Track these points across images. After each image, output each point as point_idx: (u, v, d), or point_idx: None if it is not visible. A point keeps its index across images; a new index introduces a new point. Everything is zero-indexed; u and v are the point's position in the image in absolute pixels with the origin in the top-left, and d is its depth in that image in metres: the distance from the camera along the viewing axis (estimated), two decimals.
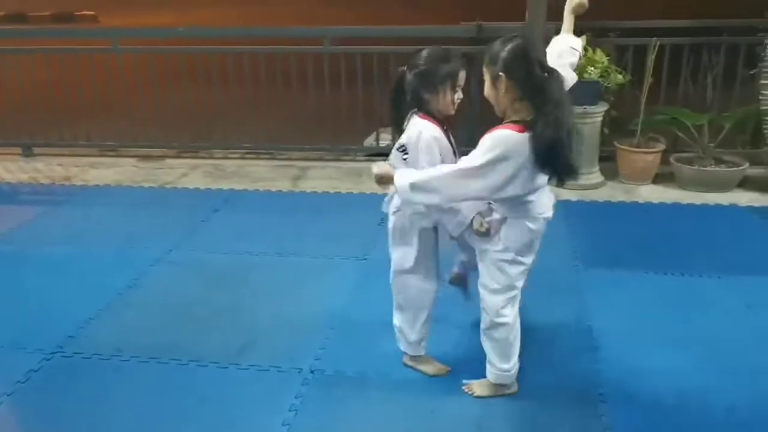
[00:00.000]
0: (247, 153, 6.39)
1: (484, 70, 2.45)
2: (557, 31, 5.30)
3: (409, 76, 2.65)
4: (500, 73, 2.37)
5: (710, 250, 4.17)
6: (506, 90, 2.39)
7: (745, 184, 5.17)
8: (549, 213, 2.62)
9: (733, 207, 4.84)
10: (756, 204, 4.88)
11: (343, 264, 4.09)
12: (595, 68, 5.05)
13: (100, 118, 6.69)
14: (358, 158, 6.28)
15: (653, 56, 5.19)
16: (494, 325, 2.70)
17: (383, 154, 6.09)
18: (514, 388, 2.83)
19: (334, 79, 5.88)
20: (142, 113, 6.35)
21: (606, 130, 5.35)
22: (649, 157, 5.28)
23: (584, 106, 5.08)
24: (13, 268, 4.10)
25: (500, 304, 2.66)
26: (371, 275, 3.92)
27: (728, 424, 2.64)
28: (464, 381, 2.89)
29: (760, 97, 4.94)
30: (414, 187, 2.44)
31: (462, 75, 2.65)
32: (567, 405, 2.77)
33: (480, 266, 2.71)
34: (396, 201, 2.76)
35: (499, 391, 2.82)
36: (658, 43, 5.23)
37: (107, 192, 5.47)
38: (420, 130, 2.60)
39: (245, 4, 24.00)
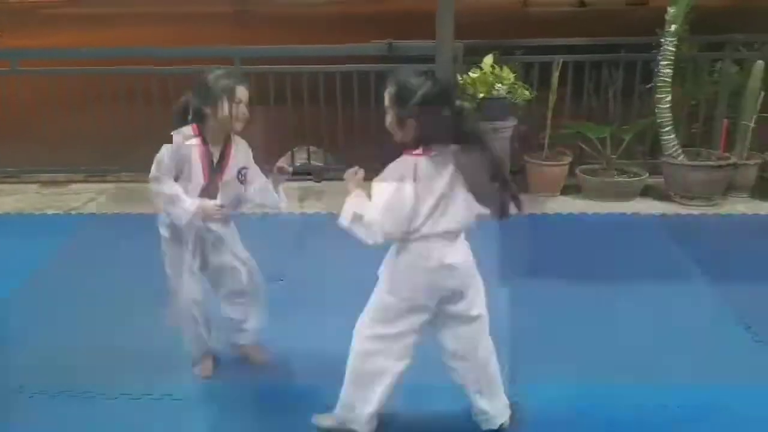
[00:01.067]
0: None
1: (389, 101, 2.40)
2: (466, 50, 5.55)
3: (192, 95, 2.82)
4: (409, 119, 2.35)
5: (618, 258, 4.35)
6: (411, 129, 2.37)
7: (647, 192, 5.43)
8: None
9: (636, 216, 5.07)
10: (656, 212, 5.12)
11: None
12: (502, 84, 5.19)
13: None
14: None
15: (557, 73, 5.39)
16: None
17: (299, 173, 6.13)
18: None
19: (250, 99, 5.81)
20: (44, 137, 6.06)
21: (516, 145, 5.51)
22: (556, 170, 5.47)
23: (494, 122, 5.21)
24: None
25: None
26: (286, 297, 3.87)
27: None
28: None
29: (656, 110, 5.22)
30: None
31: (239, 90, 2.77)
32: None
33: None
34: None
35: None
36: (561, 60, 5.44)
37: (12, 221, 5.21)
38: (176, 134, 2.80)
39: (147, 24, 23.53)
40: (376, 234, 2.34)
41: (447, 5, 5.17)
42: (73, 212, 5.36)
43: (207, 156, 2.83)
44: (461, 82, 5.28)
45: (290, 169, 3.05)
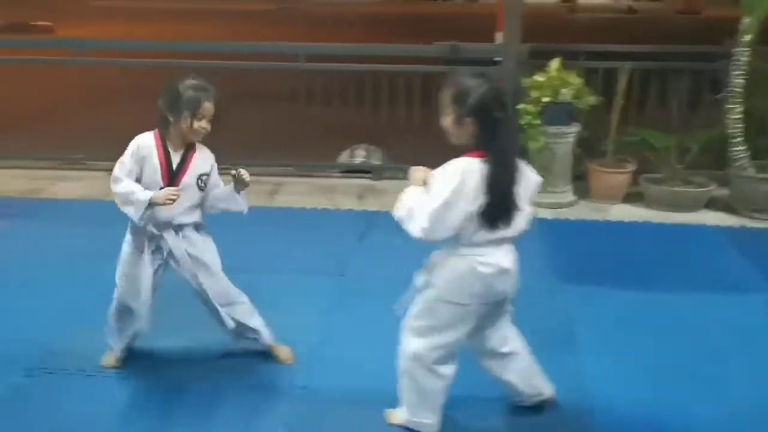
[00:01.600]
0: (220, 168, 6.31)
1: (447, 102, 2.43)
2: (531, 53, 5.53)
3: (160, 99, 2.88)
4: (467, 118, 2.38)
5: (681, 268, 4.29)
6: (469, 131, 2.41)
7: (712, 204, 5.34)
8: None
9: (701, 227, 4.99)
10: (722, 224, 5.04)
11: (319, 281, 4.06)
12: (568, 90, 5.16)
13: (63, 129, 6.51)
14: (331, 175, 6.28)
15: (625, 79, 5.34)
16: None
17: (357, 171, 6.19)
18: None
19: (310, 96, 5.90)
20: (110, 125, 6.21)
21: (579, 150, 5.47)
22: (620, 177, 5.41)
23: (558, 127, 5.18)
24: None
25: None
26: (349, 293, 3.91)
27: None
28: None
29: (726, 121, 5.13)
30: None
31: (205, 106, 2.82)
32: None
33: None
34: None
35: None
36: (630, 66, 5.39)
37: (79, 206, 5.33)
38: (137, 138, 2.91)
39: (192, 20, 23.90)
40: (424, 231, 2.37)
41: (514, 7, 5.18)
42: None
43: (166, 161, 2.90)
44: (525, 85, 5.27)
45: (247, 180, 2.99)
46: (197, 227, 3.04)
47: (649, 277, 4.14)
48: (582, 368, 3.17)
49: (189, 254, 2.99)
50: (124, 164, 2.88)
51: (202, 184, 2.97)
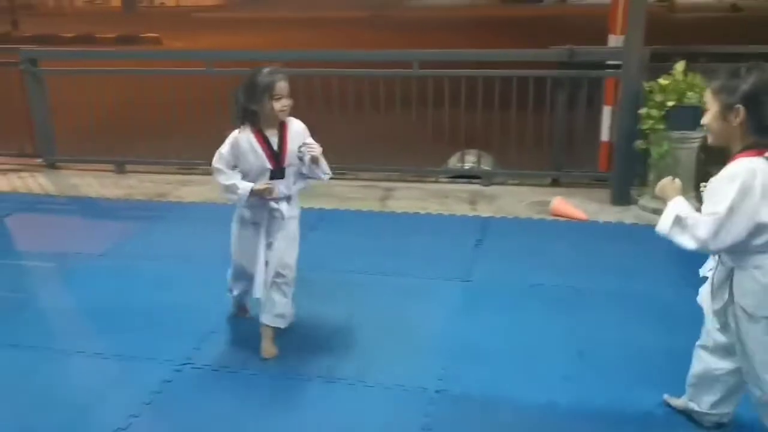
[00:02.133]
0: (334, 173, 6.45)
1: (710, 96, 2.36)
2: (652, 56, 5.38)
3: (239, 94, 3.14)
4: (737, 105, 2.26)
5: None
6: (739, 122, 2.28)
7: None
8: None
9: None
10: None
11: (447, 285, 4.10)
12: (695, 93, 4.99)
13: (182, 137, 6.79)
14: (441, 179, 6.31)
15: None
16: None
17: (468, 176, 6.20)
18: None
19: (420, 101, 5.95)
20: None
21: (702, 156, 5.27)
22: None
23: (682, 131, 5.02)
24: (128, 280, 4.22)
25: None
26: (478, 297, 3.93)
27: None
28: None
29: None
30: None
31: (280, 85, 3.07)
32: None
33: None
34: None
35: None
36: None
37: (203, 209, 5.60)
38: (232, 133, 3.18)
39: (291, 28, 24.51)
40: (705, 241, 2.25)
41: (638, 8, 5.05)
42: None
43: (267, 146, 3.16)
44: (648, 89, 5.13)
45: (316, 153, 3.17)
46: (289, 199, 3.30)
47: None
48: None
49: (283, 215, 3.25)
50: (222, 155, 3.19)
51: (301, 154, 3.21)
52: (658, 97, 5.04)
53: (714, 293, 2.49)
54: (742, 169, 2.24)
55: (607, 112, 5.83)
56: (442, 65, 6.06)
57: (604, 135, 5.90)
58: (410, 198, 5.82)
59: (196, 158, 6.57)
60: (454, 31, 19.98)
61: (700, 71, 5.23)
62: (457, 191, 5.96)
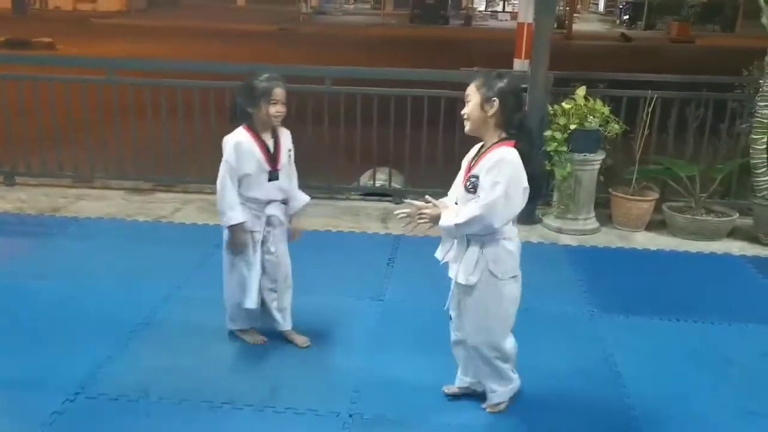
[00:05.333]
0: None
1: (473, 90, 2.75)
2: (555, 81, 5.58)
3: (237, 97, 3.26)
4: (494, 98, 2.69)
5: (716, 297, 4.31)
6: (493, 113, 2.71)
7: (734, 233, 5.37)
8: None
9: (727, 256, 5.01)
10: (747, 253, 5.06)
11: (359, 305, 4.05)
12: (595, 117, 5.20)
13: (79, 148, 6.42)
14: (352, 197, 6.26)
15: (650, 108, 5.39)
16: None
17: (379, 194, 6.18)
18: None
19: (332, 118, 5.90)
20: (127, 144, 6.16)
21: (602, 178, 5.50)
22: (644, 205, 5.44)
23: (584, 154, 5.21)
24: (16, 302, 3.91)
25: None
26: (390, 317, 3.90)
27: None
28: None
29: (751, 151, 5.18)
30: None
31: (276, 91, 3.17)
32: None
33: None
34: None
35: None
36: (655, 96, 5.45)
37: (102, 224, 5.29)
38: (230, 136, 3.26)
39: (196, 39, 24.00)
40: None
41: (544, 34, 5.22)
42: (162, 220, 5.44)
43: (264, 148, 3.26)
44: (552, 112, 5.31)
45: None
46: (285, 202, 3.44)
47: (684, 305, 4.14)
48: (622, 395, 3.16)
49: (281, 221, 3.40)
50: (229, 163, 3.22)
51: (289, 158, 3.39)
52: (562, 120, 5.22)
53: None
54: (508, 153, 2.69)
55: None
56: (354, 82, 6.03)
57: None
58: (321, 215, 5.74)
59: (94, 170, 6.24)
60: (365, 50, 20.08)
61: (599, 96, 5.49)
62: (368, 209, 5.94)
